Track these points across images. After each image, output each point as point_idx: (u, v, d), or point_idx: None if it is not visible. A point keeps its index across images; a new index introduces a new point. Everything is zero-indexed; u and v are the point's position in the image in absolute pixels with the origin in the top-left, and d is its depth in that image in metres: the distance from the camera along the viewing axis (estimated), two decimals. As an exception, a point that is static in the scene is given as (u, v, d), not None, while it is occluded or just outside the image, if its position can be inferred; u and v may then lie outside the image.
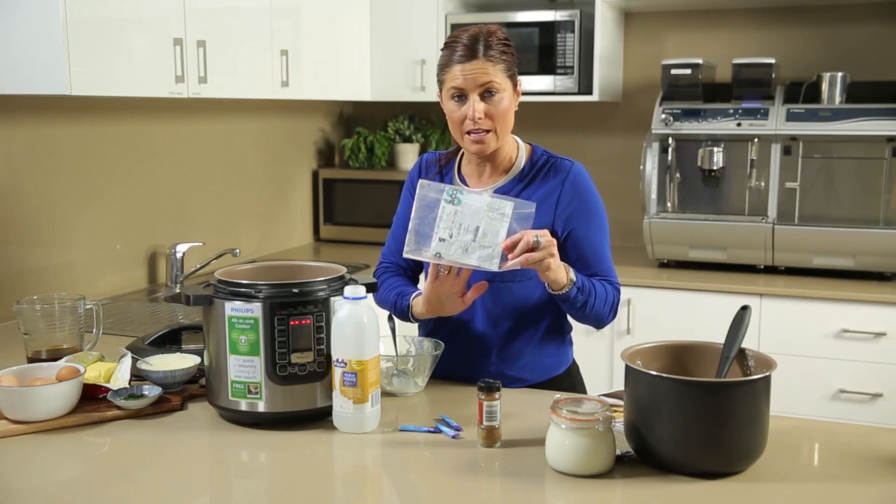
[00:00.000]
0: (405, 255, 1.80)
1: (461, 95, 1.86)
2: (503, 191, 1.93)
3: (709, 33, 3.84)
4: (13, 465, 1.54)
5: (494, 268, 1.75)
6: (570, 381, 2.04)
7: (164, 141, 3.23)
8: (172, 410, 1.78)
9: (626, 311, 3.37)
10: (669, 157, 3.46)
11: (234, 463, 1.60)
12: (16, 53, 2.33)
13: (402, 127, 4.18)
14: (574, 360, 2.08)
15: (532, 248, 1.70)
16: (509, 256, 1.71)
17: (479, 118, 1.84)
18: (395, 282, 2.03)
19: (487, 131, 1.86)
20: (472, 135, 1.87)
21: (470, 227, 1.75)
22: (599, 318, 1.92)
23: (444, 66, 1.88)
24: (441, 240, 1.76)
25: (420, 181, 1.81)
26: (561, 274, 1.78)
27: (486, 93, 1.84)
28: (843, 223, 3.28)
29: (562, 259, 1.81)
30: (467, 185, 1.98)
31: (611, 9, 3.69)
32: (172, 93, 2.72)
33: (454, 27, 3.72)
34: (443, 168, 2.03)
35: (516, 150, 1.97)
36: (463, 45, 1.85)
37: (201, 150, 3.43)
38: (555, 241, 1.74)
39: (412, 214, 1.78)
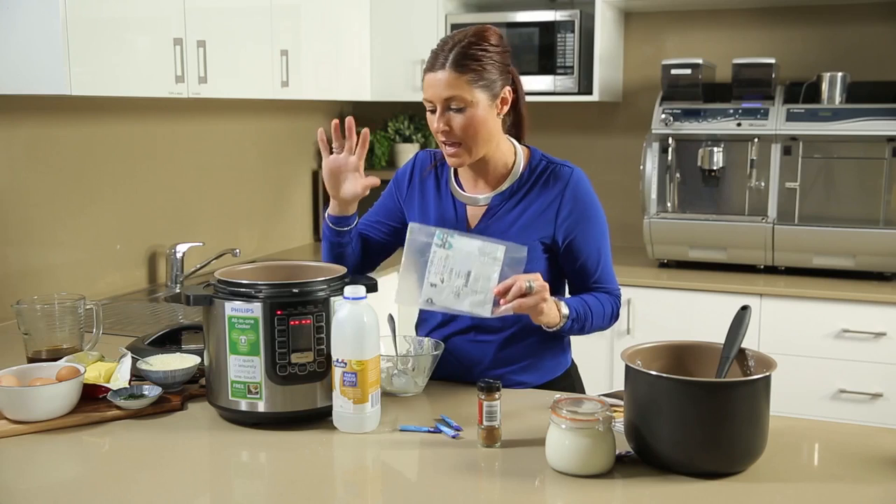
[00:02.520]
0: (396, 302, 1.79)
1: (434, 108, 1.82)
2: (501, 198, 1.91)
3: (709, 33, 3.83)
4: (13, 465, 1.54)
5: (487, 314, 1.73)
6: (569, 381, 2.03)
7: (164, 141, 3.23)
8: (172, 410, 1.78)
9: (626, 311, 3.37)
10: (669, 157, 3.46)
11: (234, 463, 1.60)
12: (16, 53, 2.33)
13: (402, 127, 4.18)
14: (573, 361, 2.08)
15: (524, 294, 1.68)
16: (501, 302, 1.69)
17: (444, 130, 1.80)
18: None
19: (459, 144, 1.82)
20: (445, 147, 1.84)
21: (461, 272, 1.73)
22: (599, 330, 1.93)
23: (423, 74, 1.85)
24: (432, 285, 1.74)
25: (410, 225, 1.79)
26: (553, 315, 1.76)
27: (451, 107, 1.80)
28: (843, 223, 3.28)
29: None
30: (463, 190, 1.95)
31: (611, 9, 3.69)
32: (172, 93, 2.72)
33: (454, 27, 3.72)
34: (437, 169, 2.00)
35: (513, 155, 1.92)
36: (433, 52, 1.81)
37: (201, 150, 3.43)
38: (547, 284, 1.72)
39: (402, 259, 1.76)
